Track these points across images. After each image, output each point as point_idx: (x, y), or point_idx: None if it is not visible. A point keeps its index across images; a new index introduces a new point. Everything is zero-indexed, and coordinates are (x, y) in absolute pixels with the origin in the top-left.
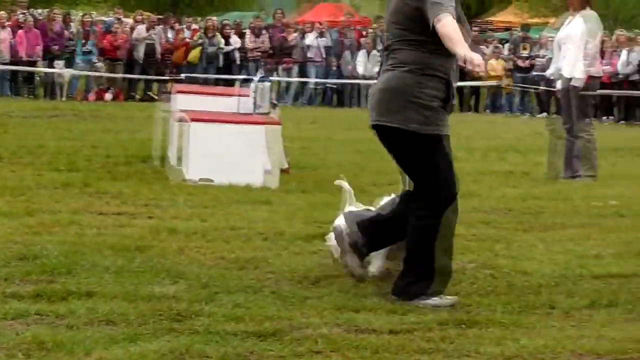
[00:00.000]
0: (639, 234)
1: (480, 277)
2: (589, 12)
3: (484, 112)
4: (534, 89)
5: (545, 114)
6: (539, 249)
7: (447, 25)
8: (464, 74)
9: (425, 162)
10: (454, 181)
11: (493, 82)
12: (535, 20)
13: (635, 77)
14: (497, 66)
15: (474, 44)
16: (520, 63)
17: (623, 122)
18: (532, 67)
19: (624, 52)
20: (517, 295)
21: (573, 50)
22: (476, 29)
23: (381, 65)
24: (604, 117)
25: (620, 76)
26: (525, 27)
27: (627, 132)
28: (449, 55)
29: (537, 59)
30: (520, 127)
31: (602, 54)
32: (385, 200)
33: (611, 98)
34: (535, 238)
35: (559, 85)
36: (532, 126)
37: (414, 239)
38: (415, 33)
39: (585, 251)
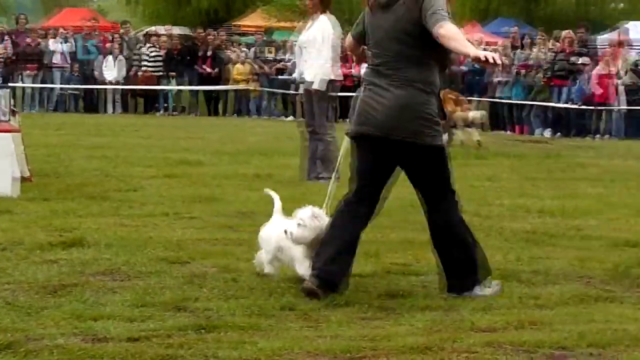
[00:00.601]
0: (377, 234)
1: (222, 281)
2: (328, 17)
3: (232, 116)
4: (281, 92)
5: (292, 117)
6: None
7: (451, 29)
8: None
9: (440, 170)
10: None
11: (240, 86)
12: (282, 24)
13: None
14: (243, 70)
15: None
16: (266, 67)
17: None
18: (278, 70)
19: None
20: (257, 298)
21: (314, 54)
22: (223, 33)
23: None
24: (348, 120)
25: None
26: (270, 31)
27: None
28: (438, 70)
29: (283, 63)
30: (267, 130)
31: (344, 57)
32: (304, 212)
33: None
34: None
35: (301, 88)
36: (279, 129)
37: (456, 238)
38: (414, 50)
39: None
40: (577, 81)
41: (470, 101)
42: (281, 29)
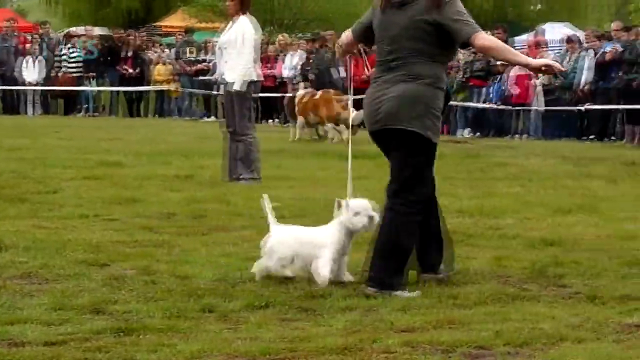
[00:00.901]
0: None
1: (140, 283)
2: (249, 17)
3: (153, 117)
4: (202, 93)
5: (213, 117)
6: (201, 252)
7: (494, 41)
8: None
9: (422, 165)
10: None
11: (161, 87)
12: (203, 25)
13: (299, 81)
14: (164, 71)
15: None
16: (187, 67)
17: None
18: (199, 71)
19: (288, 56)
20: (176, 300)
21: (234, 55)
22: (144, 34)
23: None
24: (270, 121)
25: (284, 80)
26: (190, 31)
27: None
28: (446, 68)
29: (204, 64)
30: (188, 130)
31: (266, 58)
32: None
33: (275, 101)
34: (197, 242)
35: (222, 89)
36: (200, 130)
37: (393, 233)
38: (429, 47)
39: (245, 253)
40: (495, 81)
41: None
42: (202, 29)
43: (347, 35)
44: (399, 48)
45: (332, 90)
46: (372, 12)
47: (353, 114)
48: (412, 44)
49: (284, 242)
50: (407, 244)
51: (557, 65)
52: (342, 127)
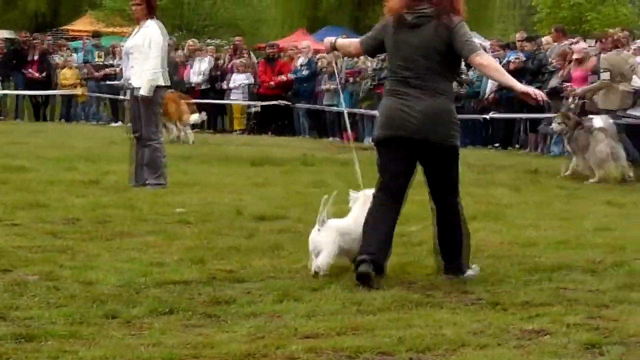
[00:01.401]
0: (203, 240)
1: (43, 289)
2: (156, 22)
3: (59, 122)
4: (109, 97)
5: (120, 122)
6: (105, 258)
7: (490, 60)
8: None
9: (455, 168)
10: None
11: (67, 91)
12: (110, 29)
13: (207, 86)
14: (71, 75)
15: None
16: (94, 71)
17: (210, 131)
18: (106, 75)
19: (196, 62)
20: (79, 306)
21: (140, 59)
22: (50, 37)
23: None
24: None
25: (192, 85)
26: (97, 35)
27: (212, 139)
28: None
29: (112, 68)
30: (94, 135)
31: (175, 63)
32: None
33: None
34: (101, 247)
35: (128, 94)
36: (106, 134)
37: (462, 227)
38: (441, 65)
39: (150, 259)
40: None
41: (193, 104)
42: (110, 34)
43: (356, 45)
44: (414, 66)
45: (174, 91)
46: (383, 30)
47: (195, 116)
48: (427, 62)
49: (342, 234)
50: (463, 234)
51: (540, 94)
52: (182, 127)
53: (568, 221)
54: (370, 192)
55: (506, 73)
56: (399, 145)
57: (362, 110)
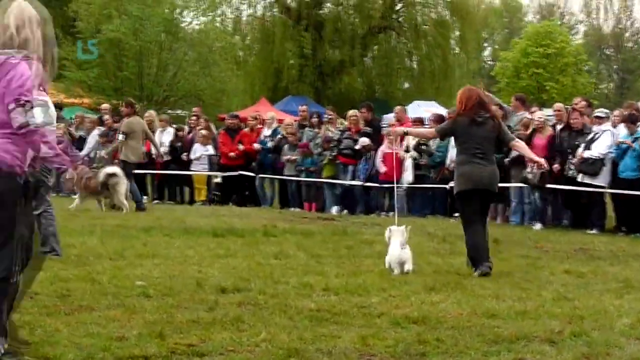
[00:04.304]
0: (163, 314)
1: None
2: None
3: None
4: None
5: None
6: (64, 333)
7: (520, 143)
8: None
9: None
10: None
11: None
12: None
13: (169, 158)
14: None
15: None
16: None
17: (172, 202)
18: None
19: (157, 133)
20: None
21: None
22: None
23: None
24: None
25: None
26: (59, 107)
27: (171, 212)
28: None
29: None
30: (55, 207)
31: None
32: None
33: (144, 178)
34: (60, 322)
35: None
36: (66, 206)
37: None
38: (493, 146)
39: (110, 333)
40: (363, 159)
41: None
42: (70, 104)
43: (428, 131)
44: (482, 147)
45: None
46: (453, 124)
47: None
48: (489, 145)
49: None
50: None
51: (543, 162)
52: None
53: (527, 291)
54: (396, 228)
55: (528, 149)
56: (477, 194)
57: (324, 180)
